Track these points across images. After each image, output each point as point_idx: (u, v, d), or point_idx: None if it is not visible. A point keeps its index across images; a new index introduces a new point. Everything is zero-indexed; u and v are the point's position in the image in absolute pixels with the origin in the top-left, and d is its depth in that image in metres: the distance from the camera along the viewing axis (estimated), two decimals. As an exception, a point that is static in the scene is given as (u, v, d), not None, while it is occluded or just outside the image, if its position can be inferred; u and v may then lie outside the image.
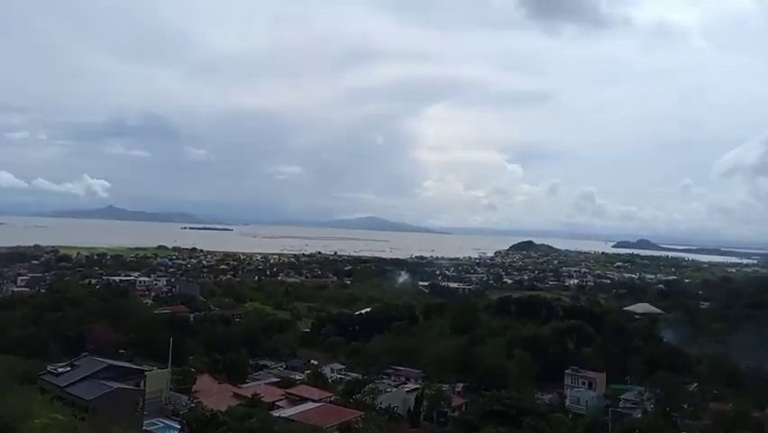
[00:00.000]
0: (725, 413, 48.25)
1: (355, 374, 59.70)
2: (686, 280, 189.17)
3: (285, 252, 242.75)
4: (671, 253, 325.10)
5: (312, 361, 70.94)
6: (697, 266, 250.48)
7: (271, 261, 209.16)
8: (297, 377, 58.55)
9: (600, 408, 50.46)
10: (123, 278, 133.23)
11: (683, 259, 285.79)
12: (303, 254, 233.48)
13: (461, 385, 59.07)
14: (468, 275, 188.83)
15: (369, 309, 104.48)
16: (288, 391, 47.00)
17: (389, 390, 51.66)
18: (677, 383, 53.94)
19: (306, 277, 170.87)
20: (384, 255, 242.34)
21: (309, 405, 41.40)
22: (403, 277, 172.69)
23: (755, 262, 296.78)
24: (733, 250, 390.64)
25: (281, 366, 67.53)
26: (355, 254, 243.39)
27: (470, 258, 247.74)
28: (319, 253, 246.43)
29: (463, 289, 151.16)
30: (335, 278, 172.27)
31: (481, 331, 78.19)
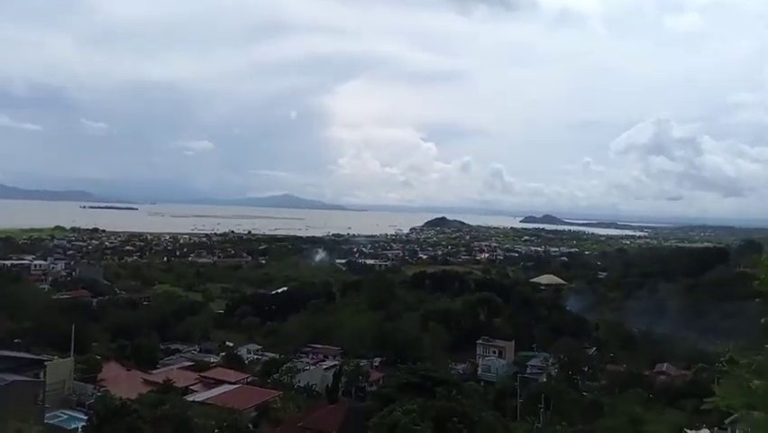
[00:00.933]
0: (619, 373, 52.46)
1: (272, 354, 59.08)
2: (586, 253, 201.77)
3: (195, 231, 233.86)
4: (573, 228, 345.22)
5: (227, 343, 69.34)
6: (596, 239, 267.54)
7: (181, 241, 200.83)
8: (212, 360, 57.01)
9: (510, 374, 53.20)
10: (16, 262, 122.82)
11: (584, 233, 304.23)
12: (215, 234, 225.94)
13: (378, 360, 60.06)
14: (384, 252, 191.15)
15: (285, 288, 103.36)
16: (203, 374, 45.62)
17: (307, 368, 51.64)
18: (578, 348, 57.92)
19: (219, 257, 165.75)
20: (300, 234, 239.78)
21: (225, 387, 40.44)
22: (320, 255, 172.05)
23: (647, 234, 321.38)
24: (628, 224, 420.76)
25: (194, 350, 65.52)
26: (270, 233, 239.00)
27: (387, 235, 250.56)
28: (232, 232, 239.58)
29: (380, 265, 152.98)
30: (250, 258, 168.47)
31: (397, 306, 79.65)
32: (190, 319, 78.41)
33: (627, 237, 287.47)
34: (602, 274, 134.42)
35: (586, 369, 54.38)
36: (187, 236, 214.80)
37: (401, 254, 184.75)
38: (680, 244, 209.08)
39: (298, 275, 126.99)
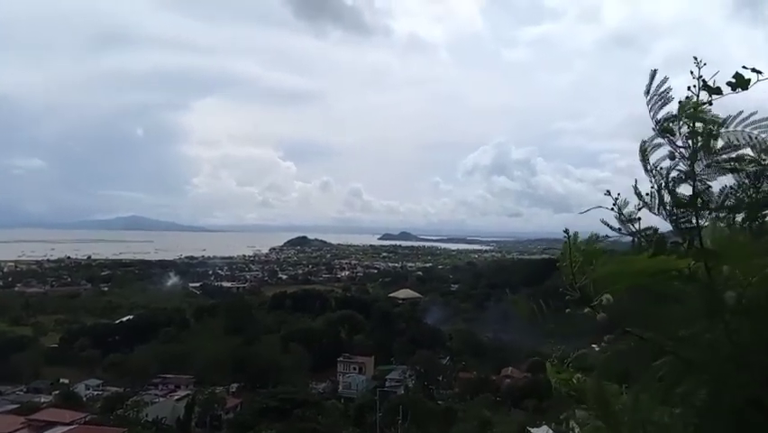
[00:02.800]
0: (471, 380, 55.53)
1: (116, 389, 54.07)
2: (439, 267, 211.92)
3: (24, 258, 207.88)
4: (427, 243, 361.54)
5: (61, 380, 62.07)
6: (448, 254, 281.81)
7: (5, 269, 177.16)
8: (43, 400, 50.68)
9: (370, 389, 53.90)
10: None
11: (437, 248, 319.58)
12: (47, 260, 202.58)
13: (235, 386, 57.64)
14: (242, 273, 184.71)
15: (131, 317, 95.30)
16: (31, 417, 40.30)
17: (156, 400, 48.01)
18: (433, 359, 60.35)
19: (53, 286, 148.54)
20: (149, 257, 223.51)
21: (58, 430, 36.12)
22: (171, 279, 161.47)
23: (492, 248, 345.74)
24: (475, 238, 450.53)
25: (21, 390, 57.86)
26: (114, 258, 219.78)
27: (245, 256, 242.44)
28: (68, 257, 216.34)
29: (237, 288, 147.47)
30: (89, 285, 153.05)
31: (256, 329, 77.22)
32: (15, 357, 69.00)
33: (476, 251, 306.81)
34: (454, 287, 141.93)
35: (441, 378, 56.86)
36: (13, 264, 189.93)
37: (260, 276, 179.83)
38: (521, 257, 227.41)
39: (147, 302, 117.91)
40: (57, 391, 54.69)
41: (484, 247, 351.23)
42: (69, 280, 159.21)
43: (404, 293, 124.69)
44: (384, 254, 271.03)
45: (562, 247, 1.58)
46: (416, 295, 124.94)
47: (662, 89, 1.74)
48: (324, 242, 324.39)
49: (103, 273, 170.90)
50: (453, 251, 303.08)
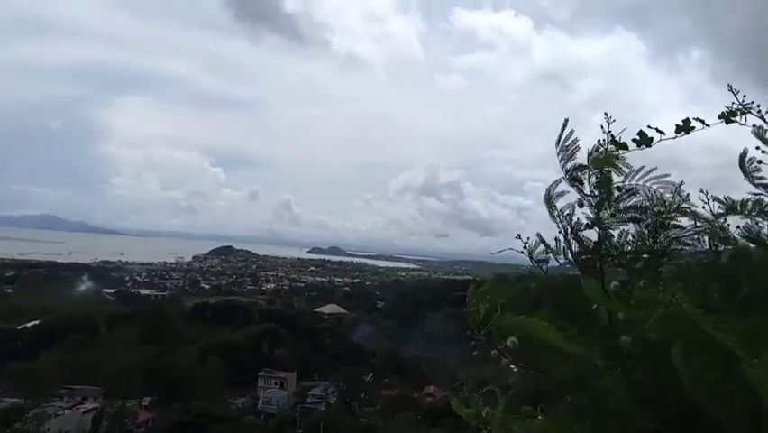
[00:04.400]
0: (393, 397, 55.82)
1: (15, 400, 50.27)
2: (367, 283, 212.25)
3: None
4: (356, 259, 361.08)
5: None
6: (376, 270, 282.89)
7: None
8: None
9: (291, 405, 53.08)
10: None
11: (366, 264, 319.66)
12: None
13: (148, 399, 55.04)
14: (162, 281, 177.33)
15: (36, 322, 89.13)
16: None
17: (61, 413, 45.09)
18: (357, 376, 60.22)
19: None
20: (60, 259, 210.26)
21: (-56, 445, 33.16)
22: (84, 284, 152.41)
23: (419, 267, 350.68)
24: (403, 256, 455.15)
25: None
26: (21, 257, 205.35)
27: (166, 263, 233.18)
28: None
29: (156, 296, 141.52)
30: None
31: (173, 340, 74.30)
32: None
33: (403, 269, 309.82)
34: (380, 303, 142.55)
35: (363, 395, 56.80)
36: None
37: (181, 284, 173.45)
38: (445, 277, 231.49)
39: (55, 307, 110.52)
40: (-54, 401, 50.20)
41: (411, 265, 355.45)
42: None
43: (330, 308, 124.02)
44: (312, 268, 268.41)
45: (468, 294, 1.65)
46: (343, 311, 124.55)
47: (568, 142, 1.87)
48: (251, 252, 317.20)
49: (7, 274, 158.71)
50: (381, 268, 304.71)
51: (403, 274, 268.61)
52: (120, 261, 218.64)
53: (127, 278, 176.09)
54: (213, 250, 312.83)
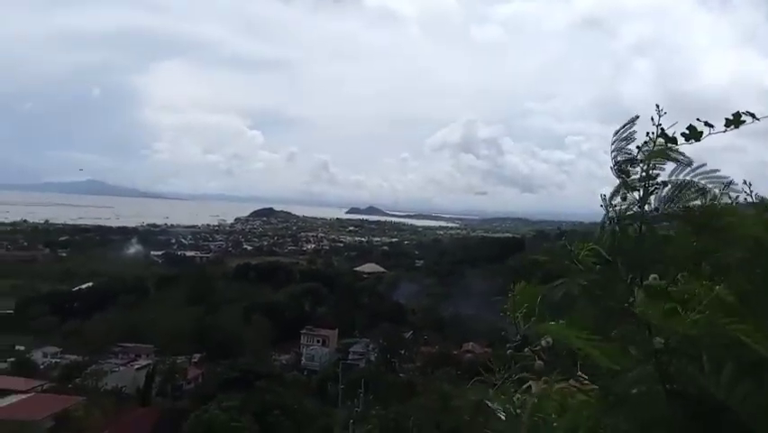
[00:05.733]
0: (432, 354, 56.69)
1: (74, 357, 53.32)
2: (405, 243, 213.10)
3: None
4: (394, 219, 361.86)
5: (17, 347, 60.76)
6: (414, 230, 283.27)
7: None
8: (-3, 367, 49.70)
9: (332, 362, 54.54)
10: None
11: (403, 224, 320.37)
12: (2, 223, 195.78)
13: (197, 356, 57.49)
14: (206, 243, 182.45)
15: (90, 284, 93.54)
16: (-17, 385, 39.52)
17: (116, 369, 47.65)
18: (396, 333, 61.24)
19: (8, 249, 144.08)
20: (109, 224, 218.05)
21: (13, 398, 35.52)
22: (133, 247, 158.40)
23: (458, 225, 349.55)
24: (441, 215, 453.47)
25: (-28, 357, 56.48)
26: (72, 223, 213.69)
27: (209, 225, 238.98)
28: (25, 221, 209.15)
29: (201, 257, 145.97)
30: (47, 250, 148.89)
31: (219, 300, 76.87)
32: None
33: (441, 228, 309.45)
34: (419, 262, 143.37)
35: (403, 352, 57.82)
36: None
37: (224, 246, 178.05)
38: (485, 234, 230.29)
39: (107, 270, 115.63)
40: (12, 359, 53.54)
41: (450, 224, 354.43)
42: (26, 244, 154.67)
43: (369, 268, 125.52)
44: (350, 228, 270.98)
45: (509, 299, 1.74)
46: (381, 270, 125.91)
47: (625, 134, 1.88)
48: (291, 214, 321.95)
49: (61, 239, 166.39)
50: (419, 227, 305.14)
51: (441, 233, 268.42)
52: (165, 224, 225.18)
53: (173, 240, 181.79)
54: (254, 212, 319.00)
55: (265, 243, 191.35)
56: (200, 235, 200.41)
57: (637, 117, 1.87)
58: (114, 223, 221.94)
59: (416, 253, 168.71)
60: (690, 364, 1.74)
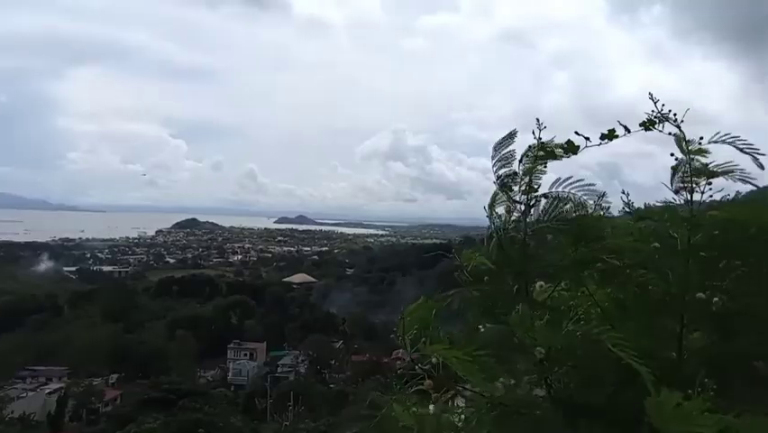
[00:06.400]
0: (362, 363, 56.61)
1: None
2: (336, 251, 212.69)
3: None
4: (324, 227, 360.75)
5: None
6: (345, 238, 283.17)
7: None
8: None
9: (261, 376, 53.31)
10: None
11: (334, 232, 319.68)
12: None
13: (115, 377, 54.56)
14: (125, 257, 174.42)
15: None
16: None
17: (24, 395, 44.23)
18: (326, 343, 60.75)
19: None
20: (17, 239, 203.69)
21: None
22: (43, 263, 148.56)
23: (388, 232, 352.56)
24: (372, 223, 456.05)
25: None
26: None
27: (129, 238, 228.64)
28: None
29: (119, 272, 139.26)
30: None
31: (140, 316, 73.43)
32: None
33: (372, 236, 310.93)
34: (350, 271, 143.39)
35: (333, 362, 57.42)
36: None
37: (145, 259, 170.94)
38: (414, 241, 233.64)
39: (14, 287, 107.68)
40: None
41: (380, 232, 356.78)
42: None
43: (299, 278, 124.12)
44: (279, 238, 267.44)
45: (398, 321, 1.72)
46: (312, 279, 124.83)
47: (505, 151, 1.91)
48: (216, 224, 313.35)
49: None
50: (350, 235, 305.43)
51: (371, 241, 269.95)
52: (80, 238, 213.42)
53: (88, 255, 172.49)
54: (177, 223, 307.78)
55: (189, 255, 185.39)
56: (118, 249, 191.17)
57: (516, 132, 1.94)
58: (23, 238, 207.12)
59: (347, 261, 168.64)
60: (570, 373, 1.74)
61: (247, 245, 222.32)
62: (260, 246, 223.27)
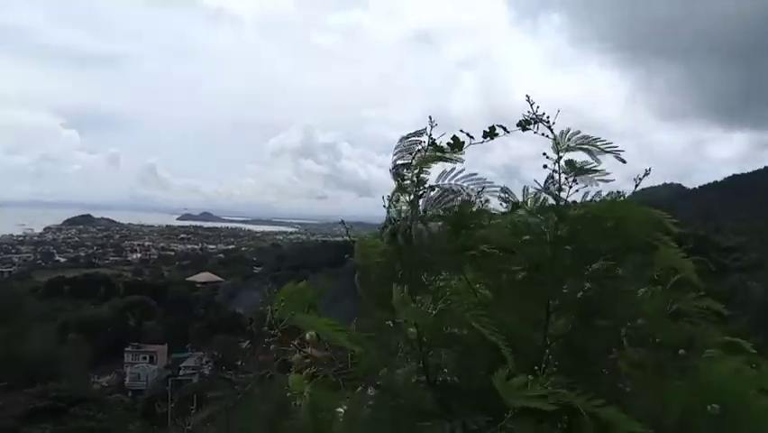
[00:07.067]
0: (269, 362, 55.75)
1: None
2: (243, 249, 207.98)
3: None
4: (231, 225, 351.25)
5: None
6: (252, 235, 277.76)
7: None
8: None
9: (161, 380, 51.05)
10: None
11: (241, 229, 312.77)
12: None
13: (-2, 386, 50.05)
14: (7, 255, 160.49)
15: None
16: None
17: None
18: (232, 343, 59.17)
19: None
20: None
21: None
22: None
23: (298, 230, 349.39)
24: (282, 220, 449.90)
25: None
26: None
27: (12, 235, 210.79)
28: None
29: (2, 272, 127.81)
30: None
31: (25, 319, 67.71)
32: None
33: (281, 233, 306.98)
34: (257, 269, 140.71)
35: (239, 363, 56.10)
36: None
37: (32, 258, 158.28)
38: (324, 239, 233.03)
39: None
40: None
41: (290, 229, 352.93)
42: None
43: (203, 277, 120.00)
44: (183, 236, 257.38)
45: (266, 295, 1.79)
46: (217, 278, 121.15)
47: (405, 144, 2.06)
48: (113, 221, 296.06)
49: None
50: (258, 233, 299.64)
51: (281, 238, 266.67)
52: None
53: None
54: (68, 219, 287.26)
55: (82, 253, 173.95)
56: (0, 247, 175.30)
57: (424, 130, 2.03)
58: None
59: (255, 259, 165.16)
60: (445, 357, 1.85)
61: (147, 243, 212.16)
62: (162, 244, 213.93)
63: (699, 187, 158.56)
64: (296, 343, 1.72)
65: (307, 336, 1.75)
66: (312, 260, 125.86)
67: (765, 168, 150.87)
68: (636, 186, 2.09)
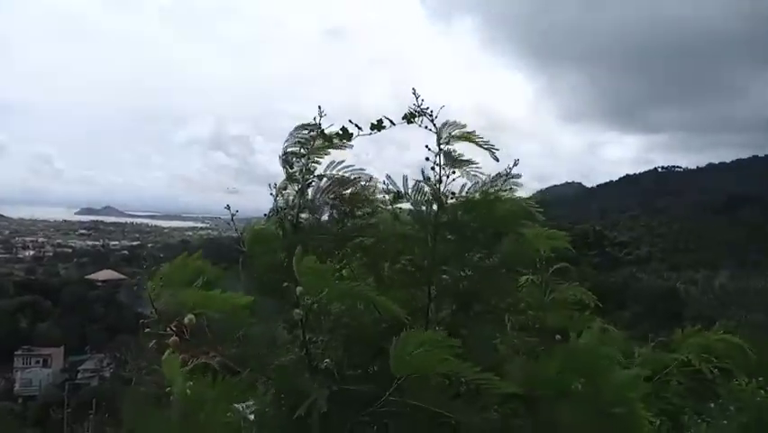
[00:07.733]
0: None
1: None
2: (149, 245, 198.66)
3: None
4: (136, 220, 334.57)
5: None
6: (159, 231, 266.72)
7: None
8: None
9: (57, 384, 47.93)
10: None
11: (147, 225, 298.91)
12: None
13: None
14: None
15: None
16: None
17: None
18: (136, 345, 56.43)
19: None
20: None
21: None
22: None
23: (209, 225, 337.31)
24: (192, 215, 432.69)
25: None
26: None
27: None
28: None
29: None
30: None
31: None
32: None
33: (191, 228, 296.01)
34: (163, 266, 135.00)
35: (144, 364, 53.74)
36: None
37: None
38: (237, 234, 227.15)
39: None
40: None
41: (200, 224, 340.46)
42: None
43: (104, 274, 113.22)
44: (81, 231, 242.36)
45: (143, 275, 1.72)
46: (120, 276, 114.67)
47: (298, 134, 2.13)
48: (1, 215, 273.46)
49: None
50: (165, 228, 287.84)
51: (190, 234, 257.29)
52: None
53: None
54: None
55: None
56: None
57: (319, 124, 2.10)
58: None
59: (161, 255, 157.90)
60: (332, 342, 1.90)
61: (41, 239, 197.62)
62: (58, 240, 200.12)
63: (598, 185, 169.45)
64: (173, 326, 1.59)
65: (186, 319, 1.54)
66: (225, 256, 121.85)
67: (654, 169, 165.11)
68: (504, 181, 2.21)
